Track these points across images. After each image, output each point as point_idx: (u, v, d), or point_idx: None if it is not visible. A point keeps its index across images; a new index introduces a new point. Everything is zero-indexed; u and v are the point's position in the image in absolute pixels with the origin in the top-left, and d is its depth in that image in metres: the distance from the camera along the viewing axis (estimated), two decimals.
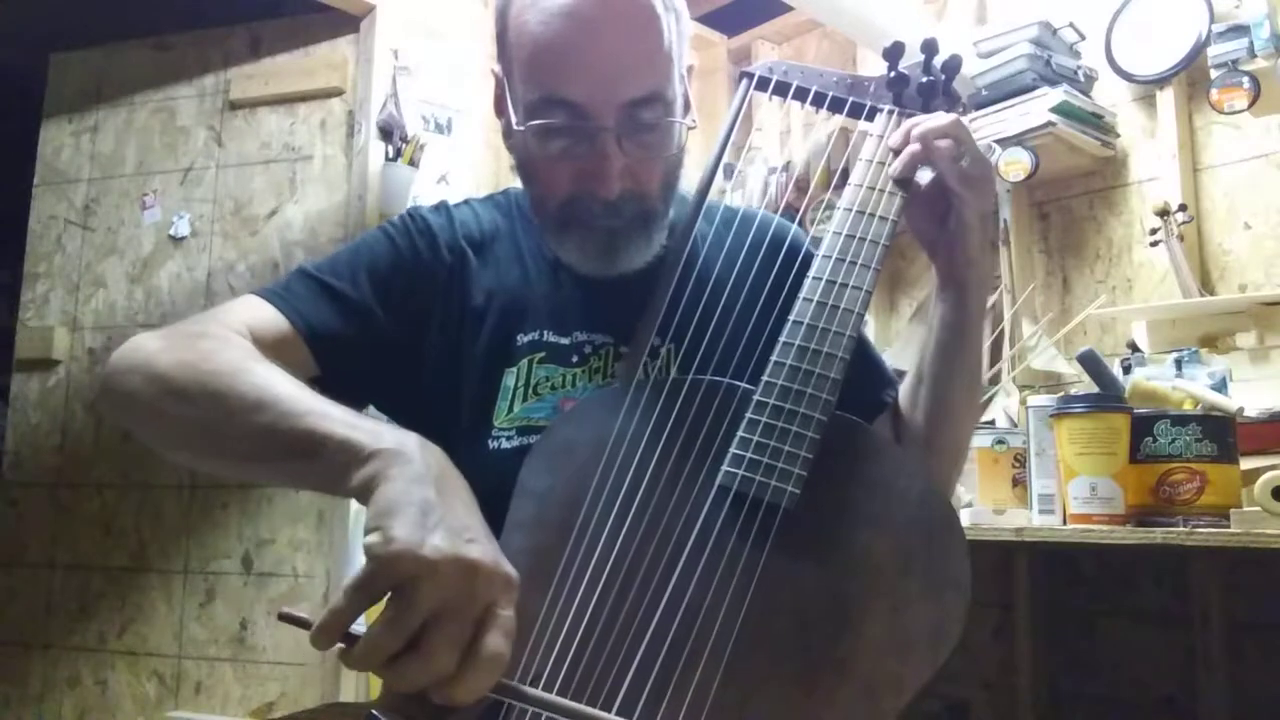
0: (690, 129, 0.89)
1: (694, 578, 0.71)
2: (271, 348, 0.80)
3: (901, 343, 2.38)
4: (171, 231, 2.61)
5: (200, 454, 0.77)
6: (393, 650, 0.55)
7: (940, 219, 0.87)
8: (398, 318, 0.89)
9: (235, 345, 0.77)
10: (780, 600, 0.71)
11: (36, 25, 2.94)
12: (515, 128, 0.86)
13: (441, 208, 0.98)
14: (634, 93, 0.82)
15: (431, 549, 0.56)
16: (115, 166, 2.70)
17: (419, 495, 0.59)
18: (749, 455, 0.74)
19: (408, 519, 0.57)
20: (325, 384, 0.85)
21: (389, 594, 0.57)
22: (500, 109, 0.90)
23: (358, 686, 2.21)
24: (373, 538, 0.57)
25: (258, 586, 2.40)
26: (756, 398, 0.77)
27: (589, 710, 0.62)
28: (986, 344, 2.02)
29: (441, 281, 0.91)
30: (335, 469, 0.64)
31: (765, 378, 0.78)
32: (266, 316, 0.84)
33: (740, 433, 0.76)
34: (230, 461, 0.76)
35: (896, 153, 0.86)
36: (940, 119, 0.85)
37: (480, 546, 0.59)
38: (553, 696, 0.61)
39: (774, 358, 0.79)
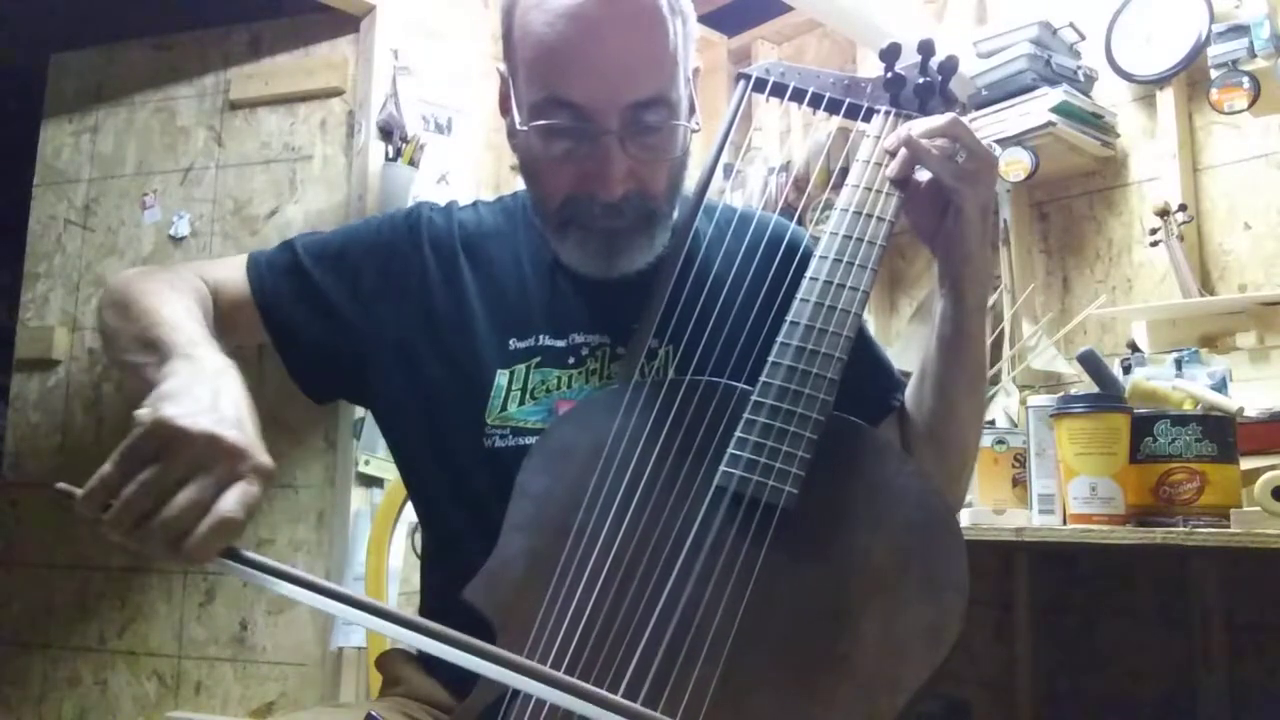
0: (694, 131, 0.89)
1: (692, 578, 0.71)
2: (228, 306, 0.91)
3: (902, 343, 2.37)
4: (171, 231, 2.60)
5: (114, 357, 0.85)
6: (142, 510, 0.59)
7: (939, 213, 0.87)
8: (357, 301, 0.92)
9: (179, 281, 0.88)
10: (778, 600, 0.71)
11: (36, 25, 2.94)
12: (519, 127, 0.86)
13: (446, 208, 0.99)
14: (638, 95, 0.82)
15: (191, 422, 0.61)
16: (115, 166, 2.70)
17: (197, 389, 0.66)
18: (746, 455, 0.74)
19: (178, 401, 0.64)
20: (285, 360, 0.93)
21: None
22: (505, 108, 0.91)
23: (358, 687, 2.21)
24: (143, 410, 0.62)
25: (258, 587, 2.39)
26: (754, 398, 0.77)
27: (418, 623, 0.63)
28: (987, 343, 2.01)
29: (417, 277, 0.93)
30: (156, 366, 0.73)
31: (763, 378, 0.78)
32: (237, 279, 0.93)
33: (738, 433, 0.76)
34: (121, 364, 0.83)
35: (892, 155, 0.86)
36: (935, 120, 0.84)
37: (240, 434, 0.63)
38: (276, 563, 0.63)
39: (771, 358, 0.79)
